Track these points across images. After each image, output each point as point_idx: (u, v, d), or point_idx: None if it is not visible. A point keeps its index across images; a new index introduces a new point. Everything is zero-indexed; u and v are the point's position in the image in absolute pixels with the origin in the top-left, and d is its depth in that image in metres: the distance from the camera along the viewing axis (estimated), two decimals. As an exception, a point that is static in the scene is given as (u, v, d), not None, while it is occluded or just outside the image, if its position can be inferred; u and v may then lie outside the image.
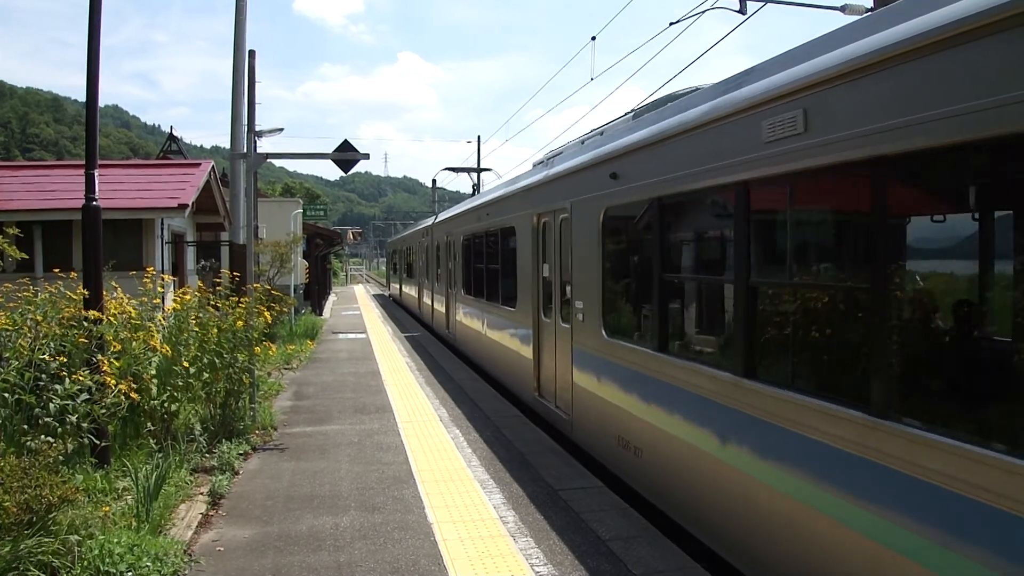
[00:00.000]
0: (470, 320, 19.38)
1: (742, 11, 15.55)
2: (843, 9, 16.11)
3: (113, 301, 9.69)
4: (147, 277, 10.46)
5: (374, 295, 59.53)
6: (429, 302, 28.98)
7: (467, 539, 7.18)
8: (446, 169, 39.05)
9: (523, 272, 13.40)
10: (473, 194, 39.73)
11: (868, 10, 10.44)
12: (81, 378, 7.42)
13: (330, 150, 13.11)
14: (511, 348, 14.63)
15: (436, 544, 7.07)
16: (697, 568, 6.50)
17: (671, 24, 15.74)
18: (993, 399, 4.32)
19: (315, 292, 40.44)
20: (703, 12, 14.98)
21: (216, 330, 10.61)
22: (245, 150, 13.46)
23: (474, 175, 40.57)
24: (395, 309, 41.97)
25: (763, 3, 15.79)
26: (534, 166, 14.44)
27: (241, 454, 10.04)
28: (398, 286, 46.83)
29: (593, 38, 21.20)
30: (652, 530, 7.38)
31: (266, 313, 12.25)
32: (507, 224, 14.80)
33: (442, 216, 26.27)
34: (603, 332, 9.46)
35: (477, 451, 10.42)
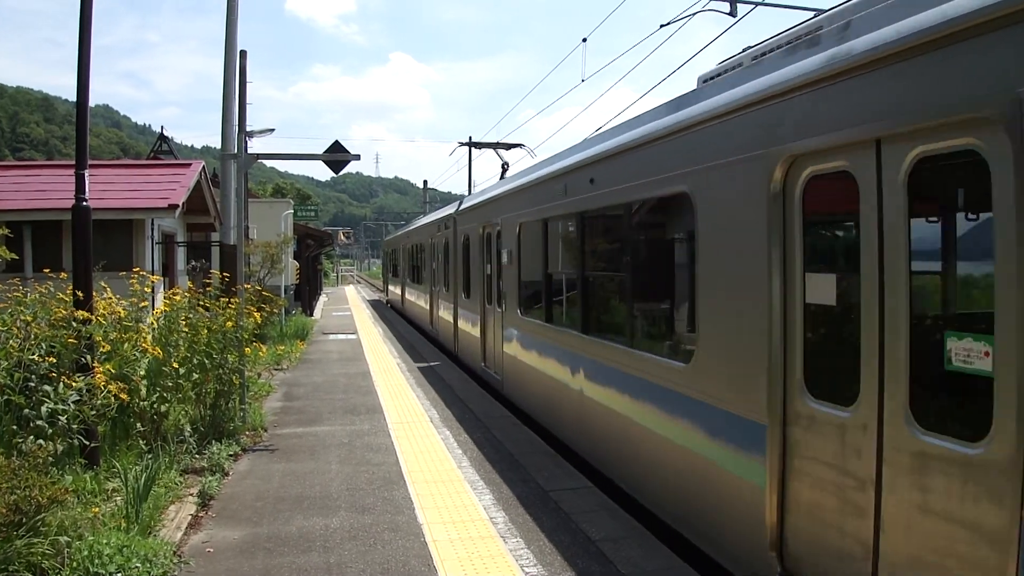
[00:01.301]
0: (544, 363, 11.67)
1: (732, 13, 15.62)
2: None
3: (103, 302, 9.68)
4: (134, 278, 10.43)
5: (369, 300, 52.57)
6: (449, 319, 20.80)
7: (457, 540, 7.19)
8: (464, 144, 29.78)
9: (717, 290, 6.55)
10: (469, 192, 34.72)
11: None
12: (74, 383, 7.41)
13: (321, 151, 13.12)
14: (680, 447, 7.12)
15: (426, 545, 7.09)
16: (686, 568, 6.53)
17: (662, 26, 15.80)
18: None
19: (306, 293, 40.43)
20: (694, 14, 15.04)
21: (206, 331, 10.60)
22: (236, 150, 13.42)
23: (493, 157, 32.29)
24: (394, 319, 35.25)
25: (753, 6, 15.87)
26: (703, 83, 7.61)
27: (231, 455, 10.04)
28: (399, 292, 37.78)
29: (584, 40, 21.27)
30: (641, 530, 7.40)
31: (256, 314, 12.24)
32: (659, 192, 7.77)
33: (472, 201, 18.65)
34: None
35: (467, 452, 10.44)
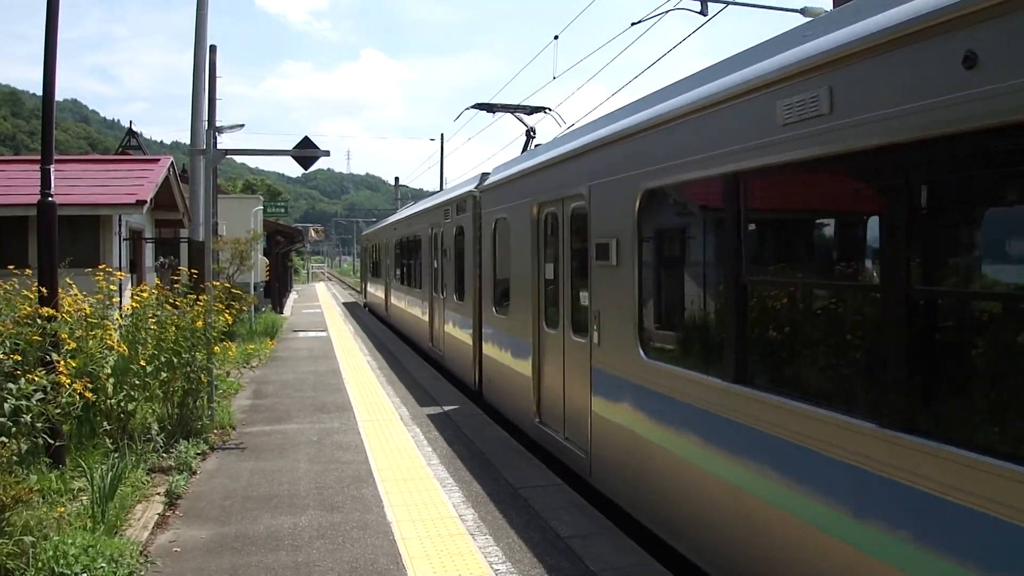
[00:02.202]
0: (740, 472, 5.79)
1: (703, 12, 15.76)
2: (803, 11, 16.39)
3: (69, 299, 9.58)
4: (99, 275, 10.34)
5: (344, 304, 46.14)
6: (466, 341, 15.23)
7: (426, 537, 7.20)
8: (476, 107, 19.58)
9: None
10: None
11: (827, 12, 10.56)
12: (36, 378, 7.33)
13: (291, 147, 13.05)
14: None
15: (395, 543, 7.08)
16: (654, 564, 6.58)
17: (633, 24, 15.90)
18: None
19: (276, 290, 40.23)
20: (665, 13, 15.14)
21: (174, 328, 10.53)
22: (205, 146, 13.34)
23: (517, 125, 22.23)
24: (370, 321, 32.03)
25: (724, 5, 16.00)
26: None
27: (199, 454, 9.97)
28: (382, 295, 31.73)
29: (556, 37, 21.30)
30: (611, 527, 7.45)
31: (227, 314, 12.15)
32: None
33: (512, 169, 12.33)
34: None
35: (437, 450, 10.43)
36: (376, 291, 34.87)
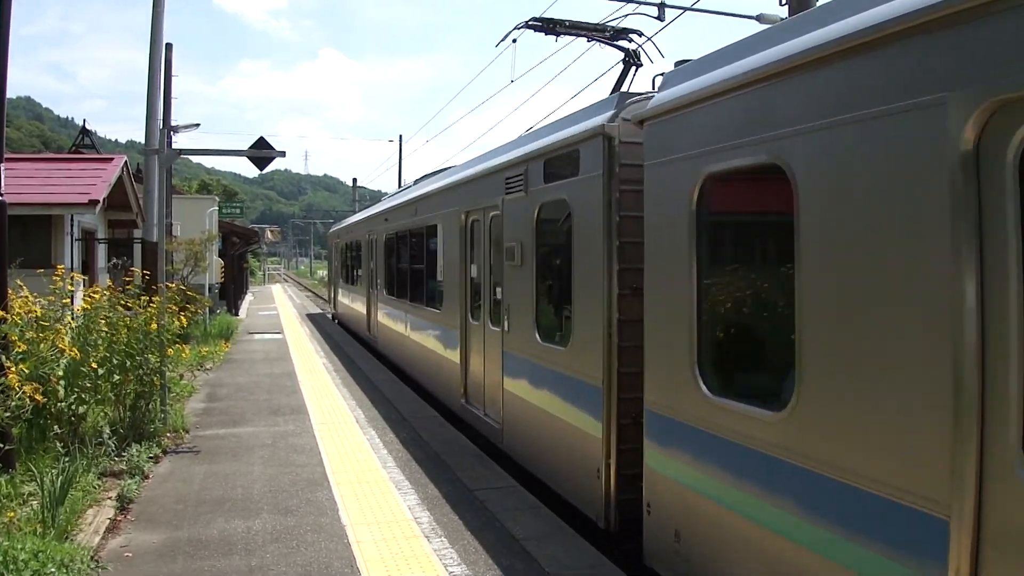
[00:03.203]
0: None
1: (660, 18, 15.89)
2: (759, 18, 16.61)
3: (19, 300, 9.43)
4: (57, 275, 10.20)
5: (308, 315, 37.47)
6: (577, 424, 7.81)
7: (381, 541, 7.20)
8: (532, 25, 11.61)
9: None
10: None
11: (782, 19, 10.59)
12: (-16, 381, 7.23)
13: (247, 147, 12.94)
14: None
15: (349, 546, 7.08)
16: (609, 565, 6.64)
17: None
18: None
19: (231, 292, 39.86)
20: (624, 16, 15.26)
21: (126, 330, 10.41)
22: (159, 146, 13.19)
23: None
24: (340, 335, 26.37)
25: (681, 11, 16.16)
26: None
27: (151, 457, 9.86)
28: (363, 310, 23.94)
29: (514, 40, 21.34)
30: (566, 528, 7.50)
31: (182, 317, 12.01)
32: None
33: (799, 38, 4.57)
34: None
35: (393, 452, 10.43)
36: (352, 303, 27.22)
